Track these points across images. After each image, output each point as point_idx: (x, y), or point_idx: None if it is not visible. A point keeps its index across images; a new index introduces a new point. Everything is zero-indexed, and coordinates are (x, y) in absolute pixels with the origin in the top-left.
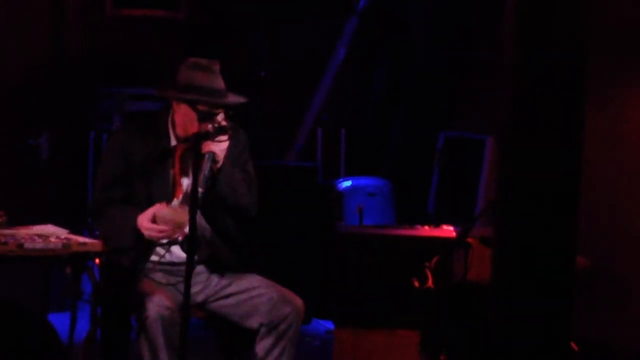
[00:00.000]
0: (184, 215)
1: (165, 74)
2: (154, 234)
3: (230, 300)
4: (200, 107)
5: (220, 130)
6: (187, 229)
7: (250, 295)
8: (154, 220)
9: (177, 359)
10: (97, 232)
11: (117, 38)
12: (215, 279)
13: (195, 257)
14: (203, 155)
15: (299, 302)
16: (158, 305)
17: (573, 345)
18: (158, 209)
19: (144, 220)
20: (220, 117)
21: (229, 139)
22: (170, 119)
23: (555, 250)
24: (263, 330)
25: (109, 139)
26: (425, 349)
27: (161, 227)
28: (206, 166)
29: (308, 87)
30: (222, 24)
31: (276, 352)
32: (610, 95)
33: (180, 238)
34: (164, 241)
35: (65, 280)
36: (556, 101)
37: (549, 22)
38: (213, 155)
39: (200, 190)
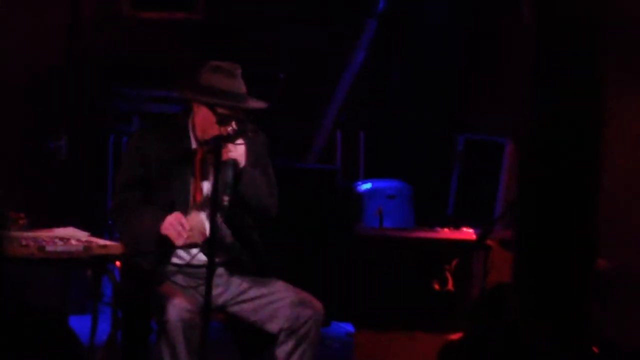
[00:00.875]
0: (200, 230)
1: (182, 75)
2: (171, 232)
3: (250, 305)
4: (220, 110)
5: (240, 133)
6: (207, 230)
7: (270, 299)
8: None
9: None
10: (117, 234)
11: (135, 40)
12: (235, 281)
13: (216, 259)
14: (224, 163)
15: (318, 305)
16: (178, 308)
17: (594, 348)
18: (181, 217)
19: (169, 228)
20: (234, 123)
21: (247, 141)
22: (190, 121)
23: (576, 253)
24: (283, 334)
25: (128, 140)
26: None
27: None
28: (228, 174)
29: (327, 89)
30: (239, 26)
31: (296, 356)
32: (634, 94)
33: (200, 241)
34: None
35: (86, 282)
36: (576, 102)
37: (569, 22)
38: (235, 162)
39: (225, 198)
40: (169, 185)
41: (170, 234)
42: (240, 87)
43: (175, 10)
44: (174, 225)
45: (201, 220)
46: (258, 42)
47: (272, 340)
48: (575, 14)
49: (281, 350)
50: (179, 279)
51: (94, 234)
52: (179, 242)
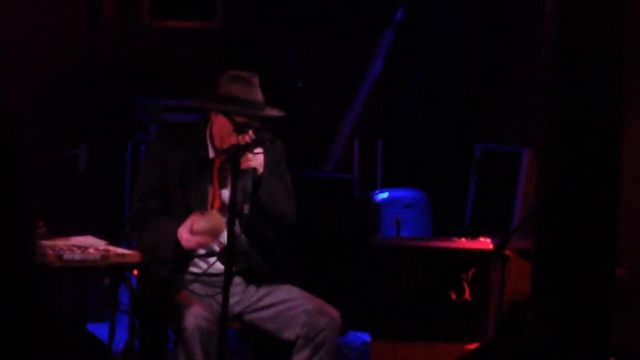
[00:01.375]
0: (220, 222)
1: (201, 85)
2: (193, 245)
3: (267, 312)
4: (237, 119)
5: (258, 142)
6: (224, 238)
7: (287, 306)
8: (191, 231)
9: None
10: (135, 243)
11: (154, 49)
12: (252, 290)
13: (233, 268)
14: (243, 172)
15: (335, 313)
16: (196, 316)
17: (612, 358)
18: (194, 220)
19: (183, 232)
20: (251, 132)
21: (266, 149)
22: (208, 130)
23: (595, 262)
24: (300, 342)
25: (147, 149)
26: None
27: (199, 238)
28: (248, 182)
29: (345, 98)
30: (258, 36)
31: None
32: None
33: (217, 249)
34: (202, 252)
35: (103, 291)
36: (596, 111)
37: (588, 32)
38: (254, 170)
39: (246, 207)
40: (187, 193)
41: (188, 246)
42: (258, 95)
43: (194, 20)
44: (184, 239)
45: (216, 223)
46: (276, 51)
47: (289, 348)
48: (595, 23)
49: (298, 358)
50: (197, 287)
51: (112, 242)
52: (197, 248)
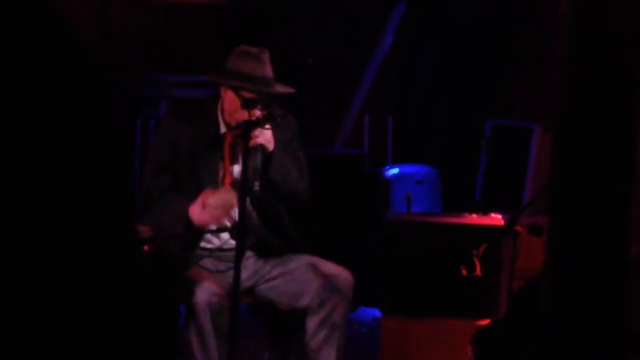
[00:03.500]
0: (231, 198)
1: (210, 61)
2: (206, 220)
3: (277, 282)
4: (245, 94)
5: (268, 118)
6: (235, 214)
7: (297, 275)
8: (204, 207)
9: (226, 346)
10: (145, 219)
11: (163, 25)
12: (262, 263)
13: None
14: (253, 148)
15: (347, 274)
16: (207, 292)
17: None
18: (206, 196)
19: (194, 209)
20: (260, 107)
21: (277, 125)
22: (219, 105)
23: (608, 239)
24: (313, 306)
25: (157, 125)
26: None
27: (211, 214)
28: (257, 159)
29: (355, 74)
30: (267, 11)
31: (324, 332)
32: None
33: (229, 224)
34: (213, 227)
35: None
36: (611, 86)
37: (605, 7)
38: (262, 147)
39: (256, 183)
40: (198, 169)
41: (200, 222)
42: (267, 71)
43: None
44: (196, 214)
45: (228, 198)
46: (286, 27)
47: (299, 323)
48: (612, 1)
49: (309, 326)
50: (208, 263)
51: None
52: (210, 224)
